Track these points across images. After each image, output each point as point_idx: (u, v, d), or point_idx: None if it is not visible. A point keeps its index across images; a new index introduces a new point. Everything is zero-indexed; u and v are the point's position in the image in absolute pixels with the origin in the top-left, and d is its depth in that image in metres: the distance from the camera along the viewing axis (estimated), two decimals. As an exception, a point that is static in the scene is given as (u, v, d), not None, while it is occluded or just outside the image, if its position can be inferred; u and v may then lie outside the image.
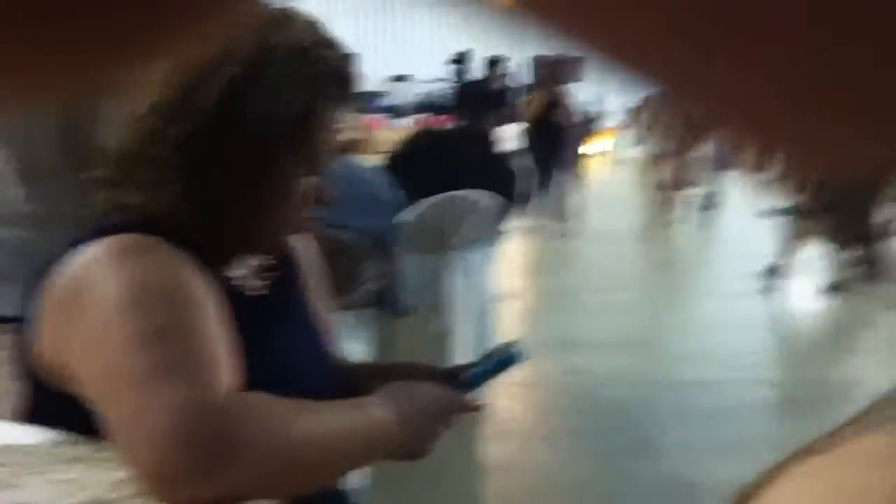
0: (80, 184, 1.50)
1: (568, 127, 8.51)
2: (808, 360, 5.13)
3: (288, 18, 1.07)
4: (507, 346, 1.17)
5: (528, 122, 8.48)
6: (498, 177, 3.67)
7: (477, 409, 1.14)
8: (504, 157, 4.02)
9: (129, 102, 1.08)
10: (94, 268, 0.97)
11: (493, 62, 8.99)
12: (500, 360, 1.15)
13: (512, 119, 8.57)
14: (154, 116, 1.03)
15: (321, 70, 1.05)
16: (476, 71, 9.14)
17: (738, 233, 9.91)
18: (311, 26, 1.07)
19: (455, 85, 9.11)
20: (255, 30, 1.03)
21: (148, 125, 1.03)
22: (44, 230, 1.54)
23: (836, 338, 5.72)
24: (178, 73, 1.03)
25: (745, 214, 11.72)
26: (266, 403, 0.93)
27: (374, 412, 1.03)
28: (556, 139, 8.38)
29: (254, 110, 1.01)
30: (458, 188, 3.43)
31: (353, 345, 2.68)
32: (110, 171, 1.07)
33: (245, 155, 1.02)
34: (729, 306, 6.23)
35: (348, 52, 1.11)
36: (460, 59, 9.41)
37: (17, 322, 1.05)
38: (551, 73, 8.80)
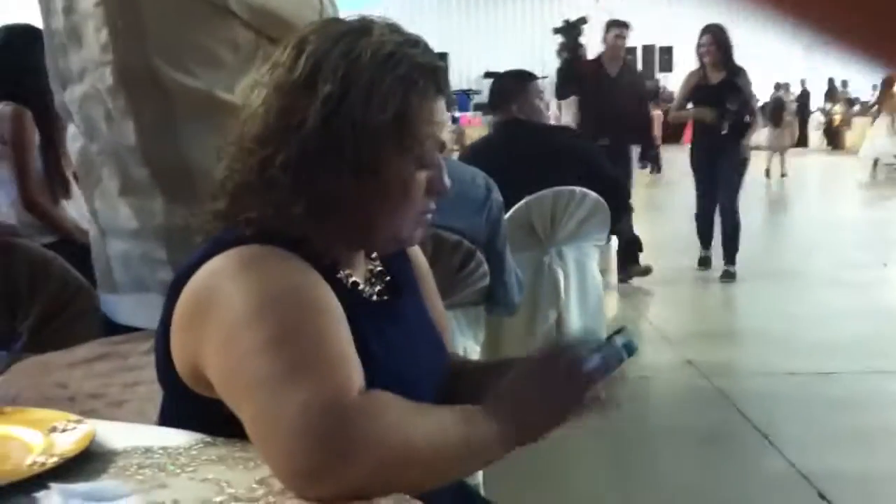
0: (169, 201, 1.55)
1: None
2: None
3: (366, 26, 1.10)
4: (622, 332, 1.15)
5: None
6: (594, 177, 3.62)
7: (599, 403, 1.12)
8: (599, 158, 3.94)
9: (230, 135, 1.12)
10: (221, 278, 1.02)
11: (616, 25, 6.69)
12: (622, 346, 1.13)
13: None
14: (260, 146, 1.07)
15: (409, 69, 1.07)
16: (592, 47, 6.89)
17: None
18: (389, 29, 1.10)
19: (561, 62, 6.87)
20: (336, 43, 1.07)
21: (256, 156, 1.07)
22: (148, 243, 1.59)
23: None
24: (275, 100, 1.07)
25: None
26: (391, 403, 0.96)
27: (488, 423, 1.04)
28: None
29: (351, 122, 1.04)
30: (541, 182, 3.40)
31: (463, 344, 2.70)
32: (229, 202, 1.11)
33: (351, 166, 1.05)
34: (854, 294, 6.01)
35: (430, 47, 1.13)
36: (571, 30, 6.84)
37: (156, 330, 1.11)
38: None
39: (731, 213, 6.42)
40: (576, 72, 6.58)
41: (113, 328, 1.65)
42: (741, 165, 6.41)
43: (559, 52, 6.82)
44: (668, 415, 3.99)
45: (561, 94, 6.96)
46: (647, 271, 6.45)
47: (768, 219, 10.42)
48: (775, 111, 15.41)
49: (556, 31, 6.79)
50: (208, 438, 1.05)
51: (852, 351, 4.65)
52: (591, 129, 6.25)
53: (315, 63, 1.06)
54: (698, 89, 6.31)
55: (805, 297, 6.05)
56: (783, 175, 14.75)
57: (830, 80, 20.97)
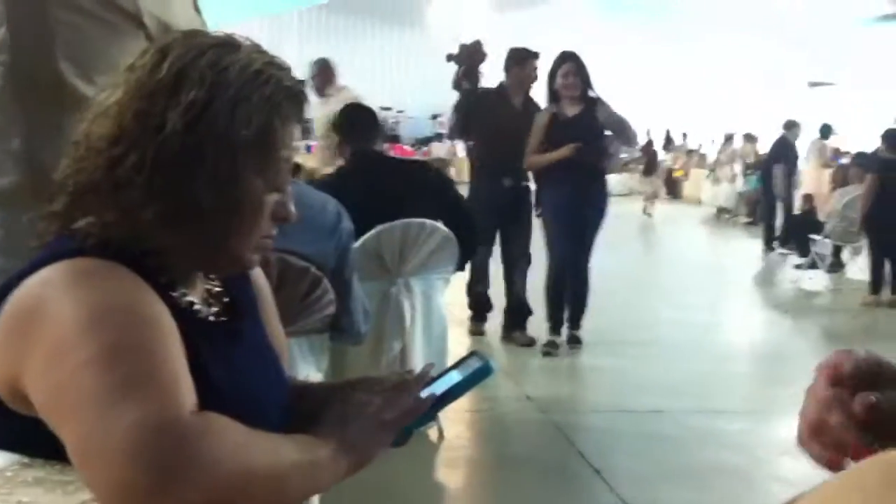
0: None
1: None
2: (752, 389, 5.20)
3: (233, 43, 1.09)
4: (477, 356, 1.18)
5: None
6: (447, 212, 3.66)
7: (421, 409, 1.14)
8: (453, 193, 3.99)
9: (79, 134, 1.08)
10: (50, 290, 0.97)
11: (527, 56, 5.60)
12: (475, 371, 1.16)
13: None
14: (110, 145, 1.03)
15: (275, 90, 1.07)
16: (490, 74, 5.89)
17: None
18: (257, 49, 1.10)
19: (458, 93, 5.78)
20: (203, 53, 1.05)
21: (104, 155, 1.03)
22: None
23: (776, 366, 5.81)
24: (132, 101, 1.04)
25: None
26: (226, 424, 0.94)
27: (322, 447, 1.05)
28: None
29: (214, 132, 1.02)
30: (395, 215, 3.43)
31: (305, 371, 2.67)
32: (69, 202, 1.07)
33: (208, 176, 1.03)
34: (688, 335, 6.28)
35: (294, 73, 1.13)
36: (469, 55, 5.72)
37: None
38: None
39: (583, 273, 5.44)
40: (479, 104, 5.64)
41: None
42: (601, 217, 5.43)
43: (457, 83, 5.72)
44: (505, 448, 4.05)
45: (463, 130, 5.91)
46: (531, 343, 5.59)
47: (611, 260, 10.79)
48: (649, 161, 17.39)
49: (451, 57, 5.65)
50: (25, 460, 0.99)
51: (683, 390, 4.84)
52: (493, 167, 5.59)
53: (181, 69, 1.03)
54: (553, 127, 5.30)
55: (641, 337, 6.28)
56: (649, 215, 16.09)
57: (668, 132, 21.96)
